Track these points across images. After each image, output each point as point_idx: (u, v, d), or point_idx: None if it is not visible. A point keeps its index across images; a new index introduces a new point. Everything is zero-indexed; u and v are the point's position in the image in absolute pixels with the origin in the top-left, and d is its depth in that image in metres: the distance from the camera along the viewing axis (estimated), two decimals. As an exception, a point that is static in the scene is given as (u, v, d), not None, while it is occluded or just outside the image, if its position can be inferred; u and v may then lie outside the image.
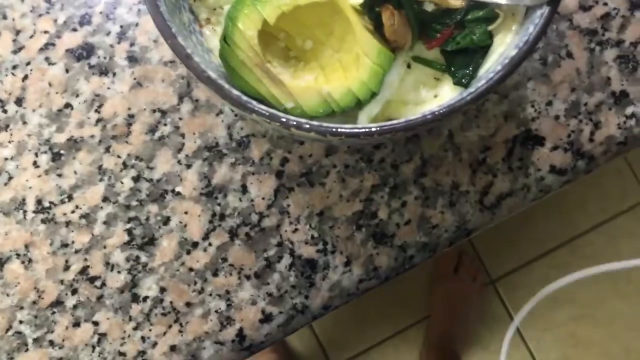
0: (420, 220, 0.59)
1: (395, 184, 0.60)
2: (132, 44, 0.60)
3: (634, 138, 0.60)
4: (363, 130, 0.43)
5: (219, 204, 0.59)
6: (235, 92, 0.44)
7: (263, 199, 0.59)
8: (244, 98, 0.44)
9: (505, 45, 0.48)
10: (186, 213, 0.59)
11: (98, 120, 0.59)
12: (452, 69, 0.50)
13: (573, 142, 0.60)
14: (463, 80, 0.49)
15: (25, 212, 0.58)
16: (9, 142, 0.59)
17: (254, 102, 0.44)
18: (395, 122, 0.43)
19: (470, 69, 0.49)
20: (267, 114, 0.43)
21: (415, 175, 0.60)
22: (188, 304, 0.58)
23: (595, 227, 1.59)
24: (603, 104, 0.60)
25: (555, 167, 0.60)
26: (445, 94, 0.50)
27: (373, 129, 0.43)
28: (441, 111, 0.43)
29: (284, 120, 0.43)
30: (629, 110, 0.60)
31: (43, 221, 0.58)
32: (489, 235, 1.50)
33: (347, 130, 0.43)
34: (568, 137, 0.60)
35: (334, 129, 0.43)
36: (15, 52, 0.60)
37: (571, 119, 0.60)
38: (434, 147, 0.60)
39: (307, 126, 0.43)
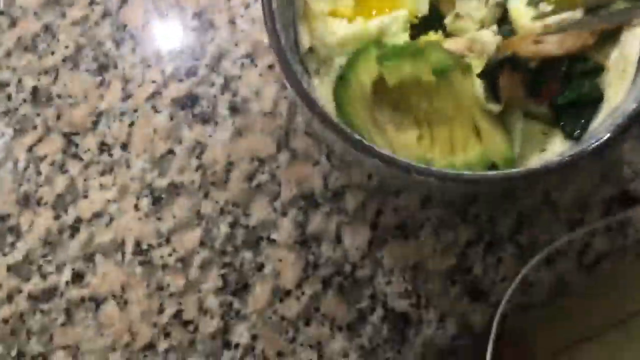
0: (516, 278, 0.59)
1: (490, 240, 0.59)
2: (234, 95, 0.62)
3: None
4: (482, 176, 0.44)
5: (312, 253, 0.59)
6: (357, 136, 0.45)
7: (357, 249, 0.59)
8: (366, 143, 0.45)
9: (618, 99, 0.48)
10: (280, 261, 0.59)
11: (198, 167, 0.61)
12: (562, 123, 0.50)
13: (672, 204, 0.59)
14: (574, 134, 0.49)
15: (124, 254, 0.59)
16: (113, 185, 0.61)
17: (375, 147, 0.45)
18: (515, 170, 0.44)
19: (582, 122, 0.49)
20: (388, 159, 0.44)
21: (511, 231, 0.59)
22: (279, 354, 0.58)
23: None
24: (703, 167, 0.60)
25: (654, 229, 0.59)
26: (554, 148, 0.50)
27: (491, 176, 0.44)
28: (563, 161, 0.43)
29: (404, 165, 0.44)
30: None
31: (140, 263, 0.59)
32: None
33: (468, 176, 0.43)
34: (667, 199, 0.59)
35: (454, 175, 0.44)
36: (123, 99, 0.62)
37: (670, 181, 0.60)
38: (529, 203, 0.60)
39: (427, 171, 0.44)
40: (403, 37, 0.52)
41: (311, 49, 0.54)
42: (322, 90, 0.54)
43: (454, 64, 0.47)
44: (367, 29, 0.52)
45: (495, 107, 0.48)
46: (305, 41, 0.53)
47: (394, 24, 0.53)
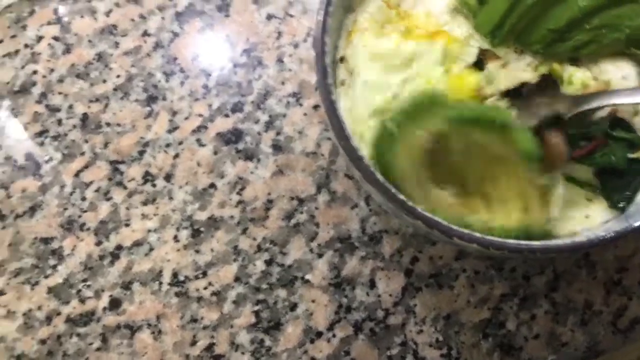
0: (550, 336, 0.58)
1: (525, 296, 0.59)
2: (278, 133, 0.63)
3: None
4: (526, 247, 0.44)
5: (346, 296, 0.60)
6: (401, 196, 0.45)
7: (390, 295, 0.60)
8: (409, 203, 0.45)
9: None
10: (313, 301, 0.60)
11: (239, 202, 0.62)
12: (607, 191, 0.50)
13: None
14: (619, 204, 0.49)
15: (161, 283, 0.60)
16: (154, 214, 0.62)
17: (418, 209, 0.45)
18: (560, 242, 0.44)
19: (628, 193, 0.49)
20: (432, 222, 0.44)
21: (547, 289, 0.59)
22: (307, 395, 0.58)
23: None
24: None
25: (694, 296, 0.58)
26: (597, 216, 0.50)
27: (536, 247, 0.44)
28: (608, 236, 0.43)
29: (446, 229, 0.44)
30: None
31: (177, 294, 0.60)
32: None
33: (512, 246, 0.43)
34: None
35: (497, 243, 0.44)
36: (170, 131, 0.63)
37: None
38: (567, 262, 0.59)
39: (468, 237, 0.44)
40: (437, 70, 0.52)
41: (342, 59, 0.54)
42: (344, 101, 0.53)
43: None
44: (400, 49, 0.52)
45: (542, 179, 0.48)
46: (340, 50, 0.54)
47: (429, 53, 0.52)
